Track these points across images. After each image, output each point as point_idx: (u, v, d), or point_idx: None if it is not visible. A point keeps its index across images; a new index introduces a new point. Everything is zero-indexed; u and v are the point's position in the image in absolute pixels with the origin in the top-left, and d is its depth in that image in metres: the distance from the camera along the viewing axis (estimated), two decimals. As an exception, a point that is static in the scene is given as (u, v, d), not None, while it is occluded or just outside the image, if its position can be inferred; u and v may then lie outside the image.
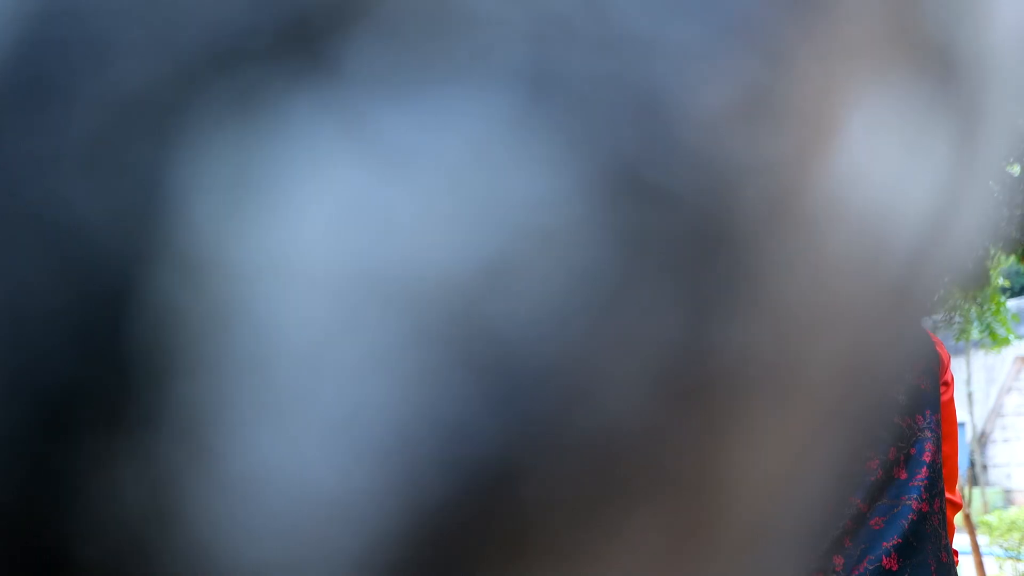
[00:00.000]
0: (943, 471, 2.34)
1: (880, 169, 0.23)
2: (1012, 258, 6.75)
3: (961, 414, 19.88)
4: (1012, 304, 18.24)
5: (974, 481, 18.90)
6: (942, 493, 2.33)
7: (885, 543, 2.24)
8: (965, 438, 19.96)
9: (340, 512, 0.20)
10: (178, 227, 0.19)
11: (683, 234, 0.21)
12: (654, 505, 0.22)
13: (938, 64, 0.24)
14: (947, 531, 2.36)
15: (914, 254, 0.25)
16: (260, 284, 0.19)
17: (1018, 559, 10.11)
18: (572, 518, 0.21)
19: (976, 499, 16.68)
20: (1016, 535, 10.28)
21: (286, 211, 0.19)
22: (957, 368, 19.73)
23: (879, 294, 0.24)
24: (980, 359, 19.29)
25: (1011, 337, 9.86)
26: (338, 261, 0.19)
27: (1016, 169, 6.67)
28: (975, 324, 9.64)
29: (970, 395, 18.86)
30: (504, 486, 0.20)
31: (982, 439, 20.02)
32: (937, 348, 2.38)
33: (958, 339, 9.97)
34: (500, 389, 0.20)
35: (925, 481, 2.28)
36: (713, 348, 0.21)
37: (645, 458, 0.21)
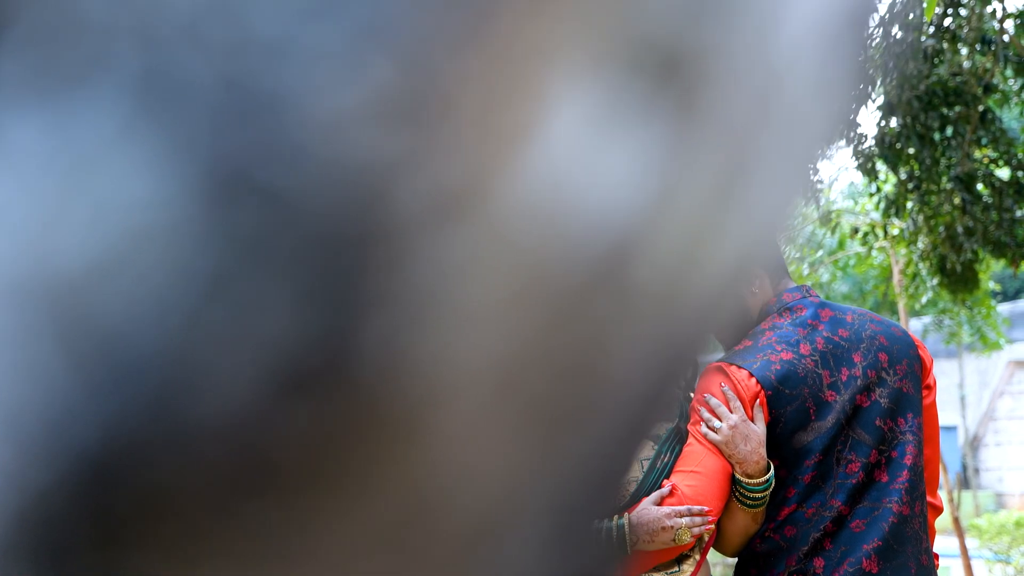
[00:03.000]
0: (924, 474, 2.34)
1: (574, 164, 0.24)
2: (1002, 262, 6.75)
3: (954, 418, 19.90)
4: (1005, 308, 18.27)
5: (966, 484, 18.91)
6: (923, 496, 2.32)
7: (865, 546, 2.23)
8: (958, 441, 19.98)
9: None
10: None
11: (303, 233, 0.22)
12: (302, 499, 0.23)
13: (657, 63, 0.24)
14: (928, 534, 2.35)
15: (624, 250, 0.25)
16: None
17: (1007, 562, 10.11)
18: (193, 508, 0.22)
19: (968, 502, 16.69)
20: (1006, 538, 10.28)
21: None
22: (950, 372, 19.75)
23: (579, 291, 0.24)
24: (973, 363, 19.31)
25: (1002, 341, 9.86)
26: None
27: (1005, 172, 6.67)
28: (966, 328, 9.65)
29: (963, 399, 18.88)
30: (109, 473, 0.21)
31: (974, 443, 20.04)
32: (919, 351, 2.38)
33: (948, 343, 9.97)
34: (101, 381, 0.21)
35: (906, 484, 2.27)
36: (346, 344, 0.22)
37: (272, 451, 0.22)
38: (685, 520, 2.16)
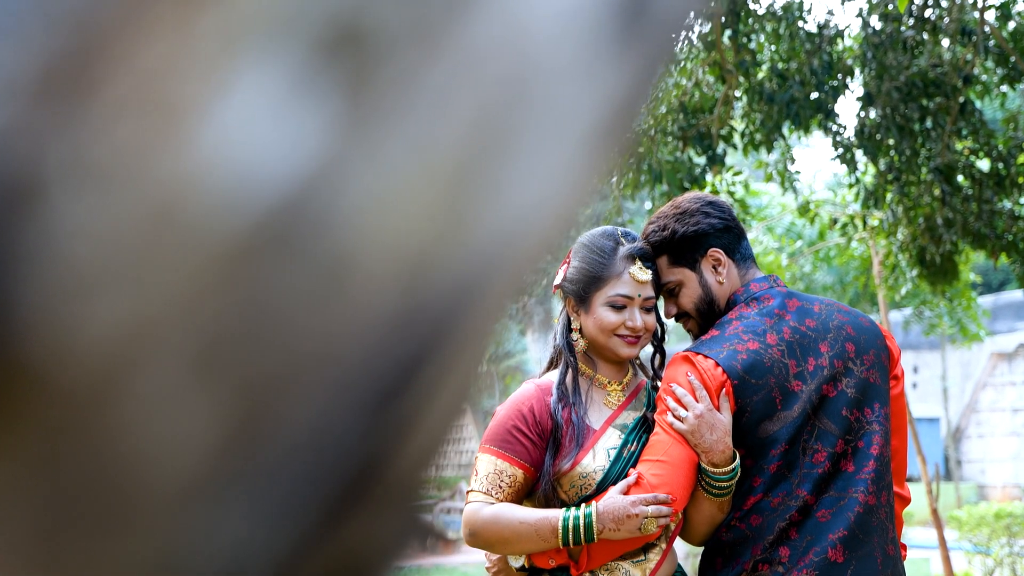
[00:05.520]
0: (891, 465, 2.34)
1: (232, 132, 0.24)
2: (983, 254, 6.76)
3: (936, 409, 19.99)
4: (988, 300, 18.36)
5: (947, 476, 19.02)
6: (890, 486, 2.33)
7: (831, 535, 2.23)
8: (940, 433, 20.10)
9: None
10: None
11: None
12: None
13: (331, 37, 0.25)
14: (895, 524, 2.36)
15: (293, 216, 0.25)
16: None
17: (987, 554, 10.15)
18: None
19: (950, 494, 16.77)
20: (985, 530, 10.32)
21: None
22: (933, 364, 19.84)
23: (241, 256, 0.24)
24: (956, 355, 19.40)
25: (982, 333, 9.91)
26: None
27: (985, 163, 6.68)
28: (946, 320, 9.68)
29: (945, 391, 18.97)
30: None
31: (957, 434, 20.15)
32: (887, 342, 2.38)
33: (928, 334, 10.01)
34: None
35: (872, 474, 2.27)
36: None
37: None
38: (651, 509, 2.16)
